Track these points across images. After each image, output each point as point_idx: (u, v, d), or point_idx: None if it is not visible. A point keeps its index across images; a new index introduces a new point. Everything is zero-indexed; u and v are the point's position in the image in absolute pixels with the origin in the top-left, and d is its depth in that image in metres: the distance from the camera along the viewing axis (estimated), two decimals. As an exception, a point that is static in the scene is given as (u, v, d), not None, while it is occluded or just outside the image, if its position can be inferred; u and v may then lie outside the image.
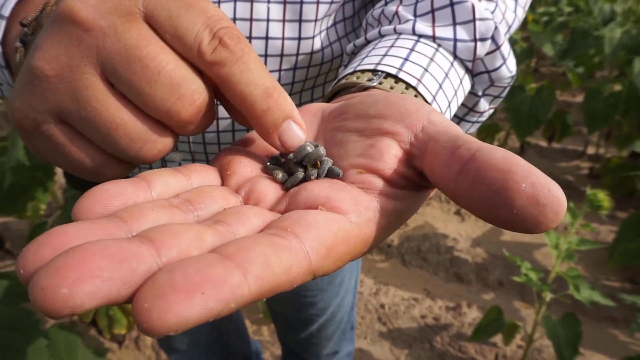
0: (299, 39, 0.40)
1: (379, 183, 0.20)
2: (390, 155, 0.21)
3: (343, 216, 0.18)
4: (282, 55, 0.40)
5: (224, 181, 0.22)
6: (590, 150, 2.45)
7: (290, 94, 0.43)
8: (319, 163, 0.21)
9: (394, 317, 1.56)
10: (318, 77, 0.45)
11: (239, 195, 0.21)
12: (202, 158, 0.46)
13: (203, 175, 0.21)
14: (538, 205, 0.16)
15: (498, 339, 1.46)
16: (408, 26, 0.34)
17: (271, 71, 0.41)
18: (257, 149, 0.24)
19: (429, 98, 0.30)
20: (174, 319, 0.12)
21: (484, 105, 0.39)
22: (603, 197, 0.89)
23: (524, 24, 2.90)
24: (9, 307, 0.61)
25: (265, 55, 0.40)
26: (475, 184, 0.17)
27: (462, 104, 0.39)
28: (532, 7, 3.36)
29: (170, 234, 0.15)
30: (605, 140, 2.36)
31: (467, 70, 0.35)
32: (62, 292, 0.12)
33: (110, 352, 1.39)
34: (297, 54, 0.41)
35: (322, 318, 0.75)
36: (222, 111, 0.43)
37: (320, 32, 0.41)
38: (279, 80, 0.42)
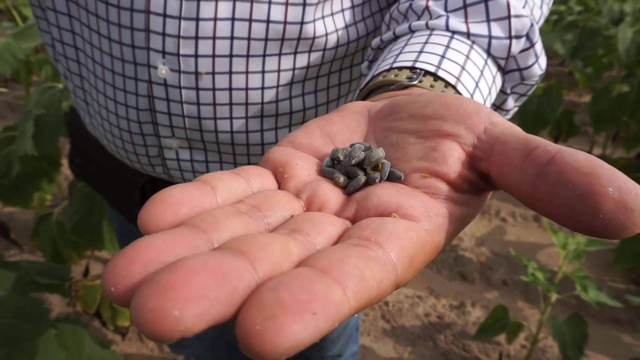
0: (302, 23, 0.39)
1: (444, 188, 0.20)
2: (454, 159, 0.20)
3: (418, 224, 0.17)
4: (282, 40, 0.39)
5: (280, 184, 0.21)
6: (597, 151, 2.44)
7: (291, 82, 0.43)
8: (380, 165, 0.20)
9: (397, 315, 1.56)
10: (322, 67, 0.43)
11: (301, 199, 0.20)
12: (200, 147, 0.45)
13: (262, 179, 0.20)
14: (626, 210, 0.16)
15: (502, 337, 1.45)
16: (441, 22, 0.33)
17: (271, 55, 0.40)
18: (304, 149, 0.23)
19: (467, 96, 0.30)
20: (287, 343, 0.11)
21: (511, 103, 0.38)
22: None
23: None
24: (19, 296, 0.61)
25: (265, 40, 0.39)
26: (556, 188, 0.17)
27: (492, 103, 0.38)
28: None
29: (259, 246, 0.14)
30: (613, 141, 2.35)
31: (499, 68, 0.34)
32: (174, 315, 0.11)
33: (113, 344, 1.39)
34: (299, 39, 0.40)
35: None
36: (235, 106, 0.42)
37: (323, 17, 0.40)
38: (279, 65, 0.41)
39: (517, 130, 0.20)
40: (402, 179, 0.20)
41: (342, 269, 0.14)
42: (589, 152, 2.44)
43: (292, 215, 0.18)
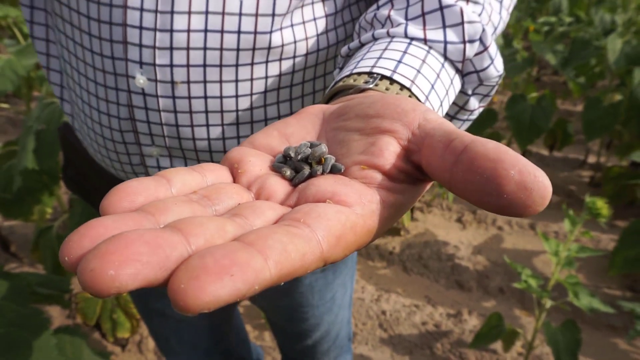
0: (271, 32, 0.41)
1: (379, 178, 0.22)
2: (390, 152, 0.22)
3: (349, 208, 0.19)
4: (253, 49, 0.41)
5: (235, 179, 0.23)
6: (592, 159, 2.46)
7: (265, 91, 0.44)
8: (323, 160, 0.23)
9: (395, 323, 1.57)
10: (294, 74, 0.45)
11: (251, 191, 0.22)
12: (179, 154, 0.47)
13: (216, 173, 0.22)
14: (526, 190, 0.18)
15: (498, 346, 1.46)
16: (400, 29, 0.35)
17: (243, 65, 0.42)
18: (261, 148, 0.25)
19: (422, 98, 0.32)
20: (206, 298, 0.14)
21: (474, 103, 0.40)
22: (602, 205, 0.90)
23: (525, 33, 2.92)
24: (20, 306, 0.63)
25: (237, 49, 0.41)
26: (468, 173, 0.19)
27: (454, 103, 0.40)
28: (533, 17, 3.39)
29: (196, 225, 0.16)
30: (607, 149, 2.37)
31: (457, 71, 0.37)
32: (109, 274, 0.14)
33: (113, 355, 1.40)
34: (269, 48, 0.42)
35: (315, 334, 0.75)
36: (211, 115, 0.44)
37: (292, 25, 0.42)
38: (252, 74, 0.43)
39: (446, 125, 0.22)
40: (343, 171, 0.23)
41: (266, 242, 0.16)
42: (584, 160, 2.46)
43: (240, 204, 0.20)
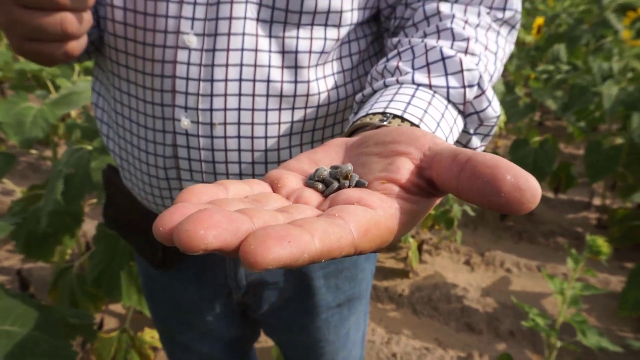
0: (295, 82, 0.48)
1: (397, 190, 0.26)
2: (405, 169, 0.27)
3: (373, 210, 0.24)
4: (281, 96, 0.48)
5: (275, 192, 0.27)
6: (597, 201, 2.49)
7: (290, 133, 0.51)
8: (349, 176, 0.27)
9: (405, 366, 1.56)
10: (317, 120, 0.52)
11: (290, 200, 0.26)
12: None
13: (261, 186, 0.27)
14: (520, 190, 0.21)
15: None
16: (408, 77, 0.41)
17: (272, 109, 0.49)
18: (294, 171, 0.30)
19: None
20: (271, 256, 0.18)
21: (476, 142, 0.45)
22: (602, 243, 0.94)
23: (526, 80, 3.03)
24: (52, 337, 0.67)
25: (267, 96, 0.48)
26: (472, 179, 0.23)
27: (458, 142, 0.45)
28: (534, 65, 3.52)
29: (255, 212, 0.21)
30: (611, 191, 2.41)
31: (460, 112, 0.42)
32: (200, 233, 0.18)
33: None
34: (295, 95, 0.49)
35: None
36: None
37: (317, 79, 0.49)
38: (279, 119, 0.49)
39: (451, 146, 0.27)
40: (366, 185, 0.27)
41: (312, 225, 0.21)
42: (589, 202, 2.49)
43: (284, 206, 0.25)
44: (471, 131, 0.44)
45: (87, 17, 0.42)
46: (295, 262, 0.19)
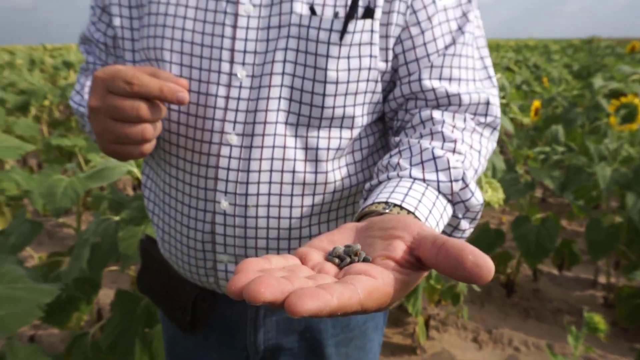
0: (315, 172, 0.59)
1: (393, 264, 0.34)
2: (400, 249, 0.35)
3: (375, 279, 0.32)
4: (303, 184, 0.59)
5: (304, 264, 0.36)
6: (603, 279, 2.50)
7: (311, 214, 0.61)
8: (358, 253, 0.36)
9: None
10: (332, 203, 0.62)
11: (314, 271, 0.35)
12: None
13: (293, 260, 0.36)
14: (478, 266, 0.30)
15: None
16: (406, 172, 0.51)
17: (296, 195, 0.59)
18: (317, 248, 0.38)
19: (422, 219, 0.46)
20: (305, 307, 0.26)
21: (465, 225, 0.54)
22: (599, 320, 0.98)
23: (526, 159, 3.16)
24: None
25: (292, 184, 0.58)
26: (445, 257, 0.31)
27: (449, 224, 0.55)
28: (534, 144, 3.67)
29: (293, 278, 0.30)
30: (615, 269, 2.43)
31: (449, 201, 0.52)
32: (261, 291, 0.26)
33: None
34: (315, 183, 0.59)
35: None
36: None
37: (333, 169, 0.60)
38: (301, 203, 0.60)
39: (434, 232, 0.35)
40: (370, 260, 0.36)
41: (332, 288, 0.28)
42: (594, 280, 2.50)
43: (310, 275, 0.33)
44: (460, 216, 0.53)
45: (159, 124, 0.54)
46: (320, 313, 0.27)
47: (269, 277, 0.28)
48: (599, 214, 2.41)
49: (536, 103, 3.32)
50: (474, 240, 2.30)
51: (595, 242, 2.03)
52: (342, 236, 0.40)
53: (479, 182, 1.82)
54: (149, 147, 0.54)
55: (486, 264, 0.30)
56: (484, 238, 2.28)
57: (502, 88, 4.67)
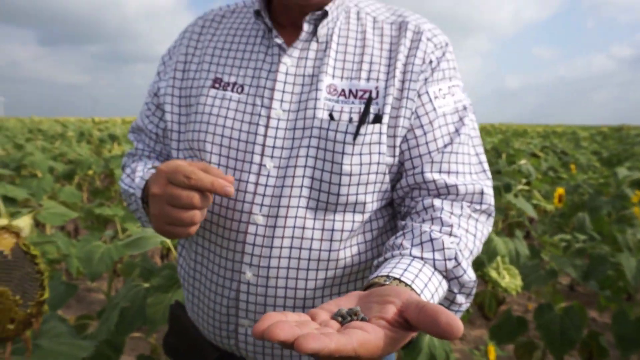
0: (330, 250, 0.68)
1: (384, 323, 0.42)
2: (391, 311, 0.43)
3: (368, 334, 0.39)
4: (319, 260, 0.67)
5: (313, 320, 0.43)
6: (637, 377, 2.36)
7: (324, 287, 0.69)
8: (357, 314, 0.44)
9: None
10: (343, 277, 0.70)
11: (321, 326, 0.42)
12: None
13: (305, 317, 0.43)
14: (450, 325, 0.37)
15: None
16: (407, 252, 0.60)
17: (311, 269, 0.67)
18: (326, 309, 0.46)
19: (418, 291, 0.54)
20: (310, 346, 0.33)
21: (461, 299, 0.62)
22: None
23: (545, 247, 3.13)
24: None
25: (309, 259, 0.67)
26: (424, 317, 0.39)
27: (446, 298, 0.62)
28: (561, 229, 3.64)
29: (303, 327, 0.37)
30: (649, 367, 2.29)
31: (444, 277, 0.60)
32: (277, 332, 0.34)
33: None
34: (328, 260, 0.68)
35: None
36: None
37: (345, 248, 0.69)
38: (316, 277, 0.68)
39: (418, 298, 0.43)
40: (367, 320, 0.43)
41: (332, 335, 0.36)
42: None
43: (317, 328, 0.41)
44: (455, 291, 0.61)
45: (205, 210, 0.64)
46: (321, 352, 0.35)
47: (284, 323, 0.36)
48: (630, 306, 2.33)
49: (560, 190, 3.35)
50: (496, 326, 2.25)
51: (623, 337, 1.96)
52: (347, 301, 0.48)
53: (496, 268, 1.84)
54: (194, 229, 0.63)
55: (456, 324, 0.38)
56: (506, 325, 2.23)
57: (527, 174, 4.74)
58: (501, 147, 7.34)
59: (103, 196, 3.79)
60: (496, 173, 4.71)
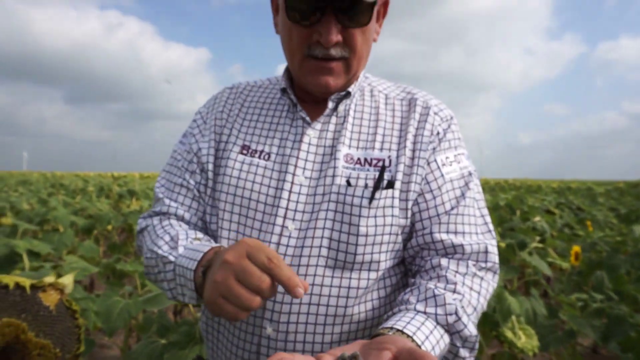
0: (345, 307, 0.72)
1: None
2: (386, 357, 0.47)
3: None
4: (335, 315, 0.72)
5: None
6: None
7: (340, 341, 0.73)
8: (357, 357, 0.48)
9: None
10: (357, 332, 0.74)
11: None
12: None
13: (311, 359, 0.48)
14: None
15: None
16: (412, 307, 0.66)
17: (327, 324, 0.72)
18: (331, 354, 0.50)
19: (419, 342, 0.59)
20: None
21: (464, 353, 0.66)
22: None
23: (561, 306, 3.06)
24: None
25: (326, 315, 0.71)
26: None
27: (449, 351, 0.66)
28: (580, 288, 3.56)
29: None
30: None
31: (446, 331, 0.64)
32: None
33: None
34: (343, 315, 0.72)
35: None
36: None
37: (359, 304, 0.74)
38: (332, 331, 0.72)
39: (411, 345, 0.48)
40: None
41: None
42: None
43: None
44: (458, 345, 0.66)
45: (264, 303, 0.66)
46: None
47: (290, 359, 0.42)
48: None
49: (576, 248, 3.32)
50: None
51: (649, 402, 1.88)
52: (351, 348, 0.53)
53: (512, 328, 1.82)
54: (245, 315, 0.60)
55: None
56: (525, 389, 2.16)
57: (541, 232, 4.70)
58: (515, 204, 7.32)
59: (121, 251, 3.86)
60: (510, 230, 4.69)
